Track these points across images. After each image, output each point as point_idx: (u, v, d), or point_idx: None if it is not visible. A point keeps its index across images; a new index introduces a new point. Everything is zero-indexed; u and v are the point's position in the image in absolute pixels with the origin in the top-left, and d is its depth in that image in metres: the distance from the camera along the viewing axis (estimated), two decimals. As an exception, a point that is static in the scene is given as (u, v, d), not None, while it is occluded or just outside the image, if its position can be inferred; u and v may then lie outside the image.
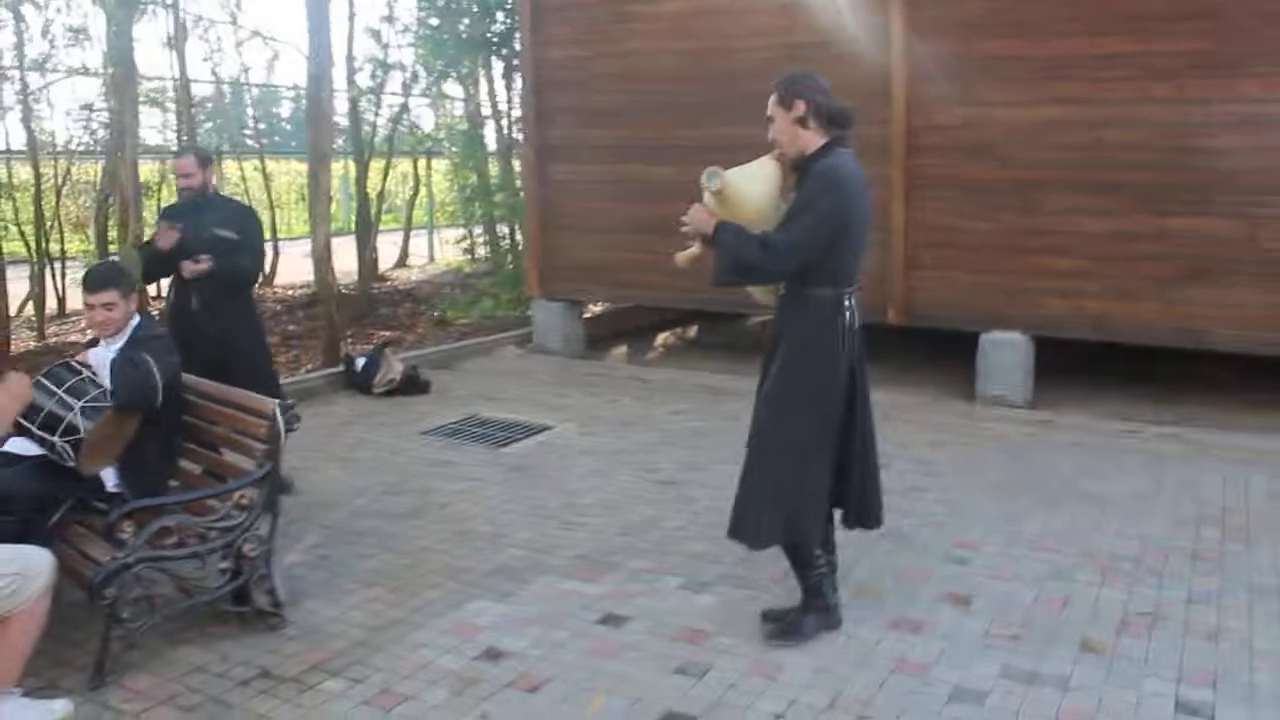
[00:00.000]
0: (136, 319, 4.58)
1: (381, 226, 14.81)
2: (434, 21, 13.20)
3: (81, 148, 12.60)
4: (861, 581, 4.64)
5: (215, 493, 4.25)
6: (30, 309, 11.35)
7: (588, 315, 10.28)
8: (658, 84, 8.68)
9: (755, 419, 4.07)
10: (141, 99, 12.10)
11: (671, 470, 6.26)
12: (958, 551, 4.97)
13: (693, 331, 10.73)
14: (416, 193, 15.71)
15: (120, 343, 4.46)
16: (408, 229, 15.96)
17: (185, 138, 12.33)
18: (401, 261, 15.62)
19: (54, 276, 11.87)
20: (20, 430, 4.27)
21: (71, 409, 4.17)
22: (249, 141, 15.89)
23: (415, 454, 6.69)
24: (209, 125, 18.87)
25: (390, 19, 13.85)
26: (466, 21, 11.95)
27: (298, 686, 3.81)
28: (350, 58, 13.19)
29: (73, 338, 10.54)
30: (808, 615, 4.10)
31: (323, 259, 9.48)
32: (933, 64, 7.51)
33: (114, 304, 4.48)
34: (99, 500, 4.33)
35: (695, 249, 4.04)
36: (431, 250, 16.28)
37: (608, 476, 6.13)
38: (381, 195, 14.09)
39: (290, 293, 13.71)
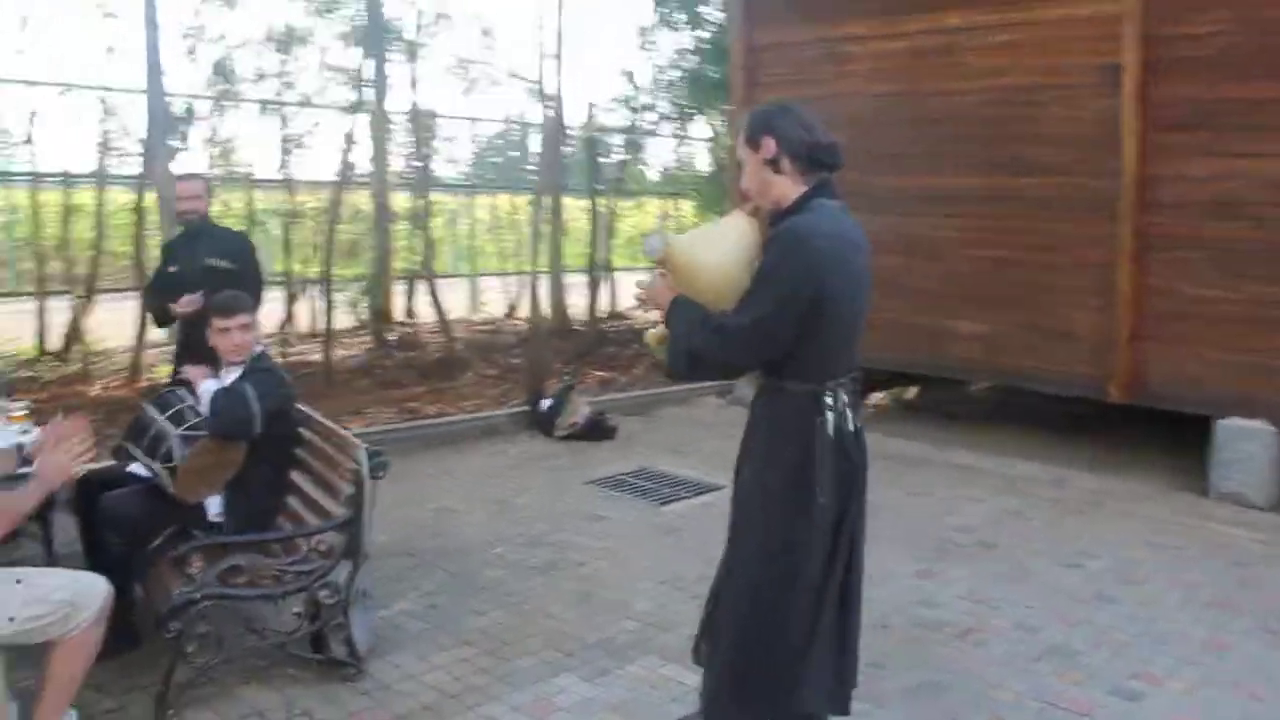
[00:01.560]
0: (259, 348, 4.55)
1: (634, 265, 14.88)
2: (689, 63, 13.15)
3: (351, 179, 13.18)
4: (1003, 705, 3.97)
5: (284, 536, 4.13)
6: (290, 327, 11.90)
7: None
8: (859, 128, 8.15)
9: (727, 544, 3.20)
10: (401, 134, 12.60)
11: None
12: (1133, 684, 4.19)
13: (912, 393, 10.01)
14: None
15: (236, 374, 4.42)
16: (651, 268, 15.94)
17: (418, 167, 12.69)
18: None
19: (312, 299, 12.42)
20: (130, 454, 4.33)
21: (169, 436, 4.17)
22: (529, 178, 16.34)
23: (572, 504, 6.44)
24: (497, 160, 19.68)
25: (647, 51, 13.87)
26: (709, 63, 11.83)
27: (344, 749, 3.60)
28: (590, 100, 13.33)
29: (314, 357, 10.99)
30: None
31: (535, 296, 9.47)
32: (1172, 108, 6.64)
33: (248, 326, 4.47)
34: (199, 529, 4.30)
35: (662, 328, 3.09)
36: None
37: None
38: (611, 233, 14.06)
39: (525, 325, 13.88)
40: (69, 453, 3.41)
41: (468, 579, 5.19)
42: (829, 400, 2.94)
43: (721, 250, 2.99)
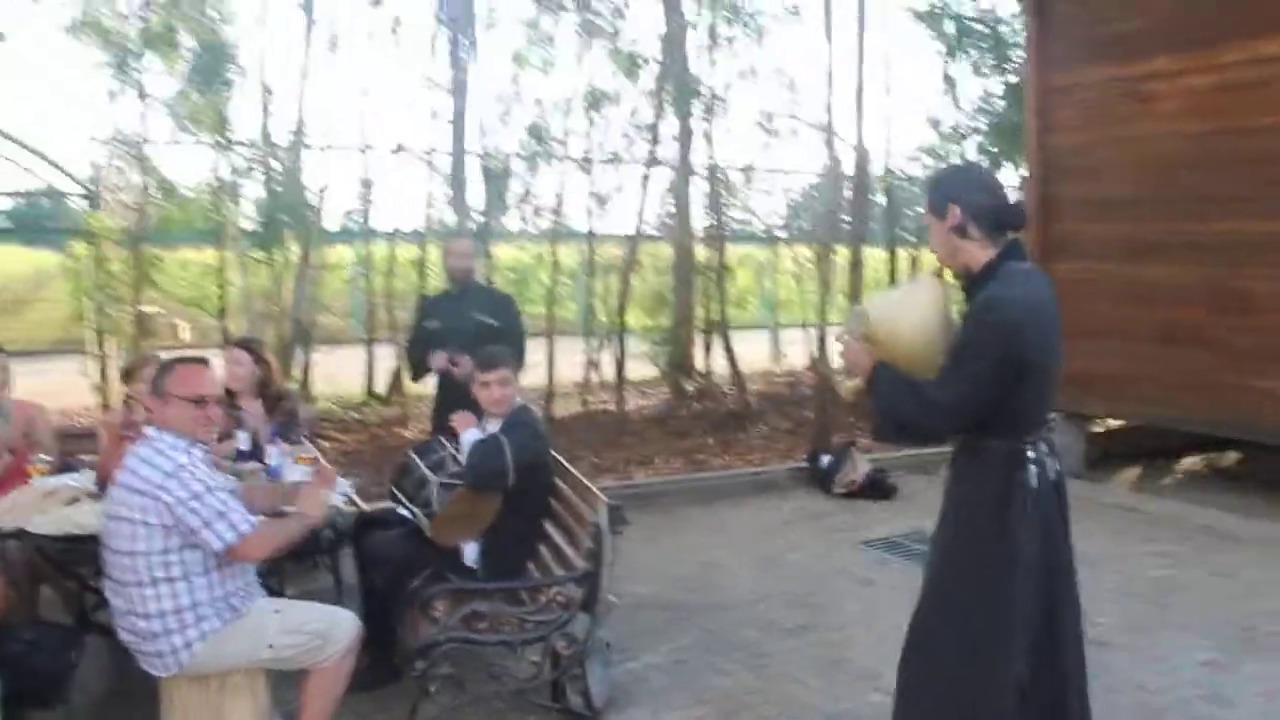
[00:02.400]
0: (520, 402, 4.75)
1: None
2: (995, 109, 12.68)
3: (653, 232, 13.59)
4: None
5: (521, 586, 4.26)
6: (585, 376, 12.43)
7: (1101, 429, 9.08)
8: (1169, 171, 7.57)
9: (917, 607, 3.19)
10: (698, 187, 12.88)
11: (1111, 628, 5.24)
12: None
13: (1229, 458, 9.05)
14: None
15: (496, 425, 4.64)
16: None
17: (717, 221, 12.88)
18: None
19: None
20: (395, 498, 4.64)
21: (429, 484, 4.42)
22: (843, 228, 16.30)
23: (841, 565, 6.28)
24: (803, 211, 19.66)
25: (949, 98, 13.49)
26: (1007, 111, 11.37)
27: (567, 799, 3.66)
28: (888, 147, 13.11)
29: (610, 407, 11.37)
30: None
31: (824, 349, 9.37)
32: None
33: (508, 380, 4.69)
34: (455, 573, 4.52)
35: (859, 383, 3.24)
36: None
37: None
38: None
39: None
40: (328, 495, 3.71)
41: (721, 636, 5.16)
42: (1030, 454, 2.95)
43: (917, 317, 3.04)
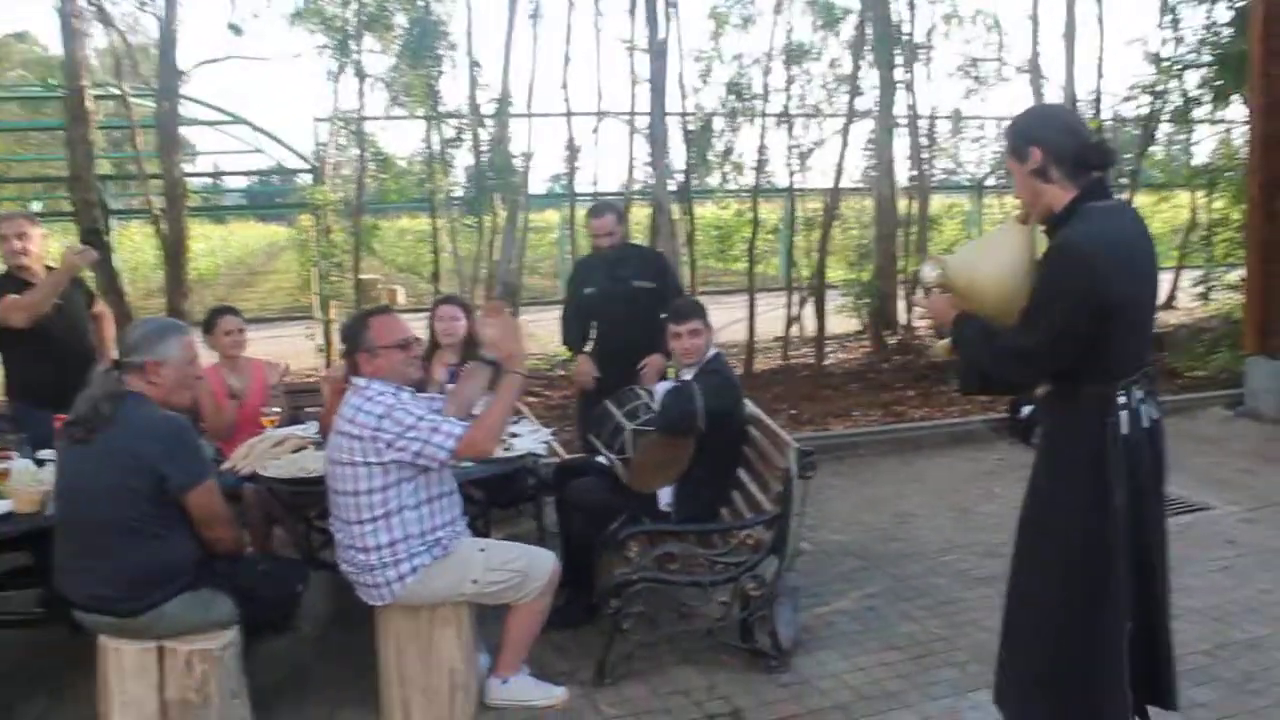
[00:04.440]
0: (713, 352, 4.87)
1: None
2: (1222, 38, 11.89)
3: (855, 184, 13.45)
4: None
5: (713, 529, 4.39)
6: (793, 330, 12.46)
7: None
8: None
9: (1014, 550, 3.19)
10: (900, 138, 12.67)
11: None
12: None
13: None
14: (1192, 228, 14.23)
15: (689, 375, 4.78)
16: (1178, 268, 14.59)
17: (920, 171, 12.60)
18: (1169, 302, 14.33)
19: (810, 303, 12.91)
20: (593, 446, 4.85)
21: (623, 430, 4.61)
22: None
23: (1040, 517, 6.16)
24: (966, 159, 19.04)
25: (1176, 35, 12.71)
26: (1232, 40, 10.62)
27: (752, 734, 3.81)
28: (1099, 86, 12.46)
29: (812, 360, 11.38)
30: None
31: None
32: None
33: (699, 331, 4.83)
34: (651, 517, 4.70)
35: (947, 341, 3.17)
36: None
37: (1242, 577, 5.07)
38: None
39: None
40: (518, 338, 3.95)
41: (910, 584, 5.19)
42: (1121, 399, 2.90)
43: (998, 263, 3.01)
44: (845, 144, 11.43)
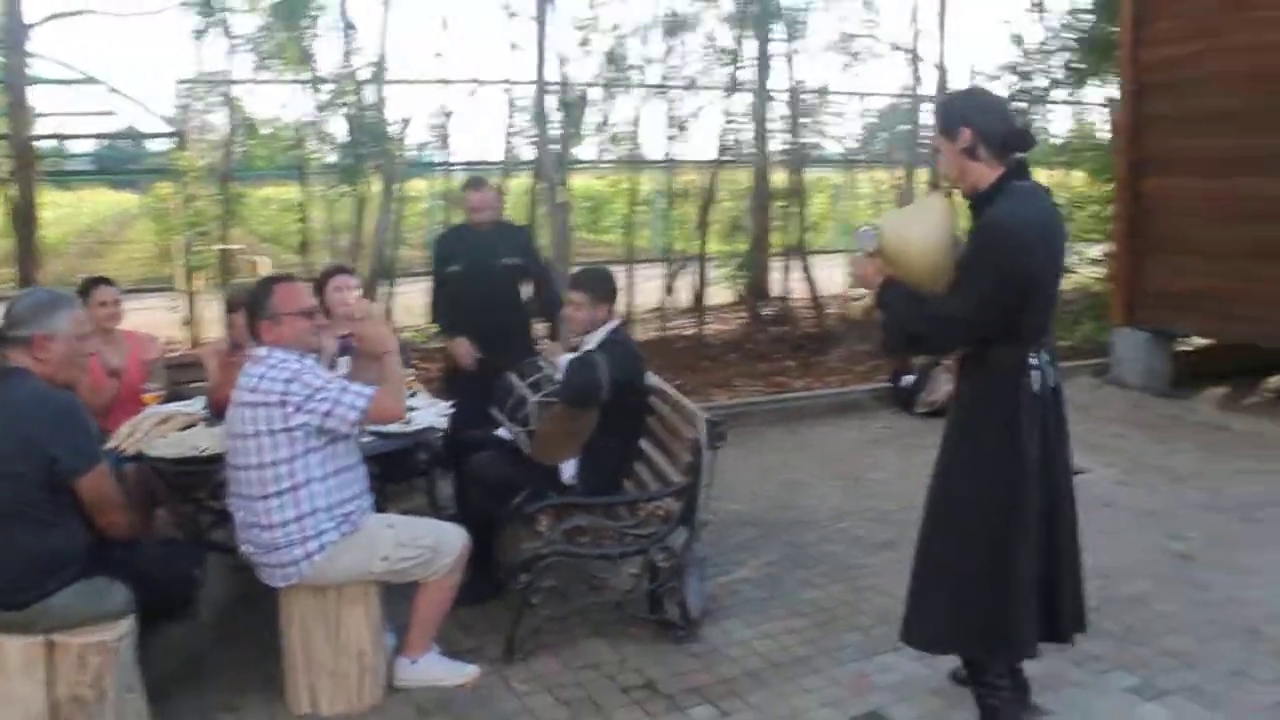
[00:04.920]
0: (616, 322, 4.81)
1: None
2: (1084, 22, 12.34)
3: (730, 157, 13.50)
4: None
5: (624, 500, 4.37)
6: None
7: (1187, 349, 8.95)
8: (1271, 83, 7.33)
9: (927, 498, 3.48)
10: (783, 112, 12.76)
11: (1199, 543, 5.26)
12: None
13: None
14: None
15: (591, 345, 4.72)
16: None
17: (796, 144, 12.75)
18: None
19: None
20: (495, 418, 4.76)
21: (528, 402, 4.54)
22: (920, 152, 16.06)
23: (925, 482, 6.29)
24: (884, 135, 19.35)
25: (1041, 19, 13.11)
26: (1096, 24, 11.04)
27: (668, 705, 3.80)
28: (972, 68, 12.79)
29: (689, 331, 11.43)
30: None
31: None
32: None
33: (580, 305, 4.76)
34: (554, 490, 4.64)
35: (869, 301, 3.35)
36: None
37: (1118, 538, 5.29)
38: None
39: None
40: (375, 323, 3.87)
41: (808, 551, 5.27)
42: (1033, 361, 3.18)
43: (924, 233, 3.24)
44: (723, 117, 11.50)
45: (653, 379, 4.97)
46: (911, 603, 3.47)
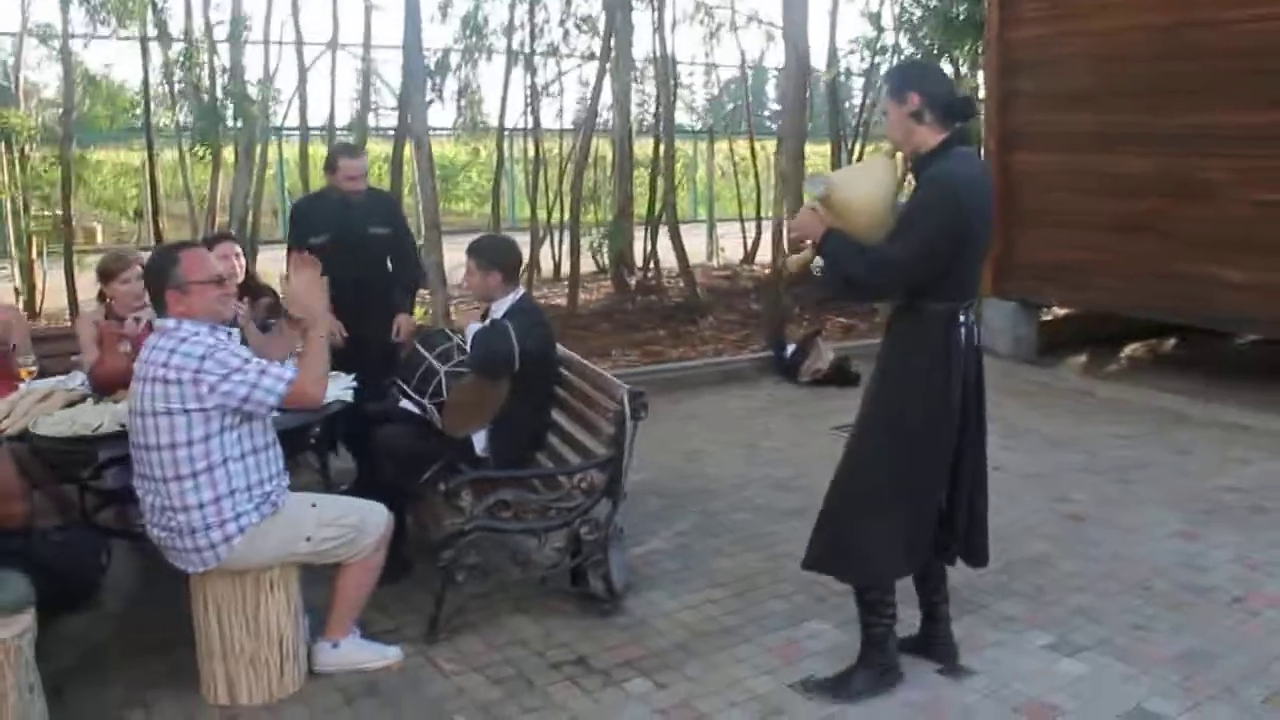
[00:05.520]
0: (520, 292, 4.67)
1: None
2: (933, 3, 12.67)
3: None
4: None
5: (549, 473, 4.26)
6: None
7: (1050, 318, 9.34)
8: (1132, 64, 7.67)
9: (848, 441, 3.67)
10: (637, 81, 12.72)
11: (1086, 504, 5.46)
12: None
13: (1168, 346, 9.38)
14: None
15: (498, 314, 4.58)
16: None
17: (662, 117, 12.75)
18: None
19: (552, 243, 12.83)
20: (401, 391, 4.58)
21: (437, 373, 4.37)
22: (765, 124, 16.26)
23: (820, 449, 6.39)
24: (730, 107, 19.57)
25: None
26: (963, 5, 11.34)
27: (603, 680, 3.71)
28: (832, 42, 13.05)
29: (557, 300, 11.32)
30: (859, 671, 3.63)
31: (776, 240, 9.41)
32: None
33: (471, 273, 4.60)
34: (467, 463, 4.49)
35: (806, 253, 3.62)
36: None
37: (1010, 499, 5.43)
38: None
39: (764, 271, 13.85)
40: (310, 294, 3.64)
41: (717, 520, 5.25)
42: (962, 317, 3.39)
43: (870, 188, 3.40)
44: (583, 86, 11.38)
45: (562, 349, 4.86)
46: (822, 534, 3.64)
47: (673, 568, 4.69)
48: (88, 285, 9.18)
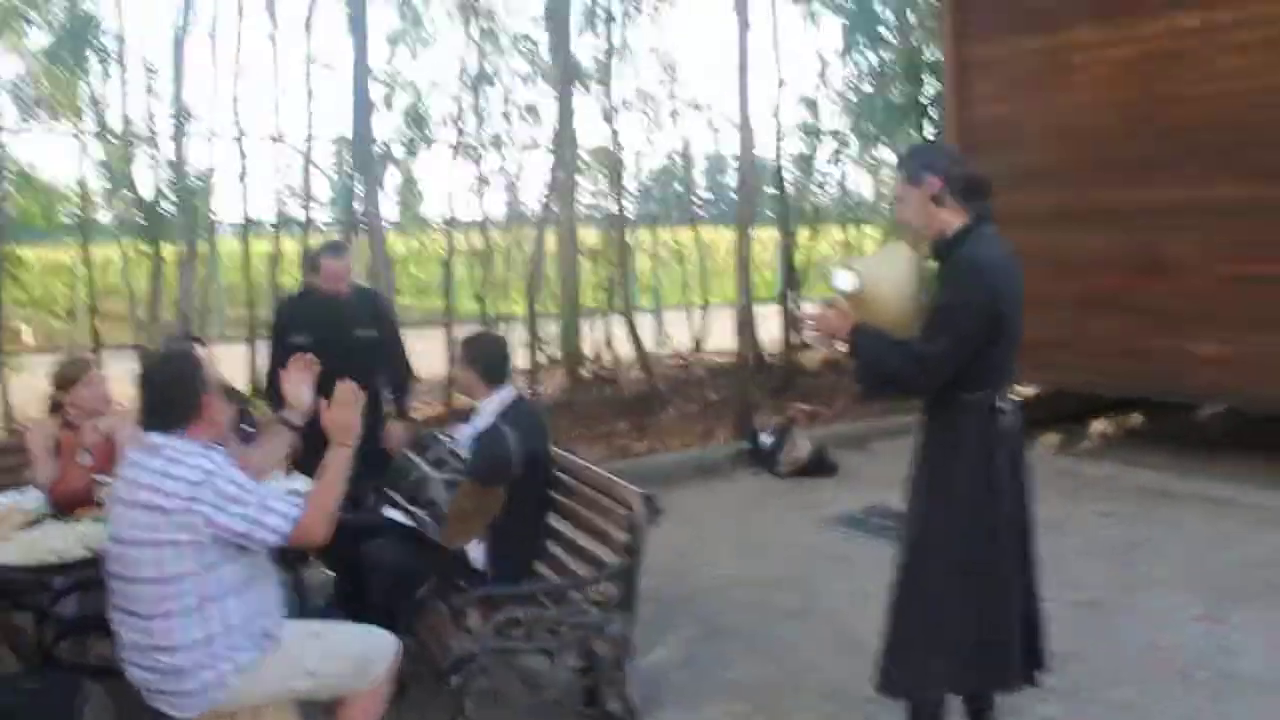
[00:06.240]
0: (511, 394, 4.41)
1: (811, 294, 14.55)
2: (867, 88, 12.85)
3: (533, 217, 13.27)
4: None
5: (564, 586, 3.96)
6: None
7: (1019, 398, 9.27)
8: (1093, 140, 7.76)
9: (903, 546, 3.47)
10: (583, 169, 12.63)
11: (1098, 589, 5.29)
12: None
13: (1134, 420, 9.36)
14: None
15: (491, 417, 4.30)
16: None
17: (619, 206, 12.67)
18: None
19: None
20: (388, 499, 4.26)
21: (433, 481, 4.08)
22: (684, 211, 16.24)
23: (809, 545, 6.17)
24: (648, 193, 19.62)
25: (826, 86, 13.59)
26: (896, 86, 11.51)
27: (635, 814, 3.40)
28: (778, 127, 13.15)
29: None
30: None
31: (742, 329, 9.26)
32: None
33: (459, 368, 4.37)
34: (463, 577, 4.18)
35: (830, 351, 3.49)
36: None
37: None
38: (808, 264, 13.81)
39: (718, 359, 13.70)
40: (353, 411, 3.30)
41: (716, 624, 4.98)
42: (1001, 405, 3.26)
43: (897, 277, 3.33)
44: (526, 175, 11.28)
45: (557, 451, 4.59)
46: (892, 653, 3.42)
47: (684, 680, 4.40)
48: (19, 389, 8.73)
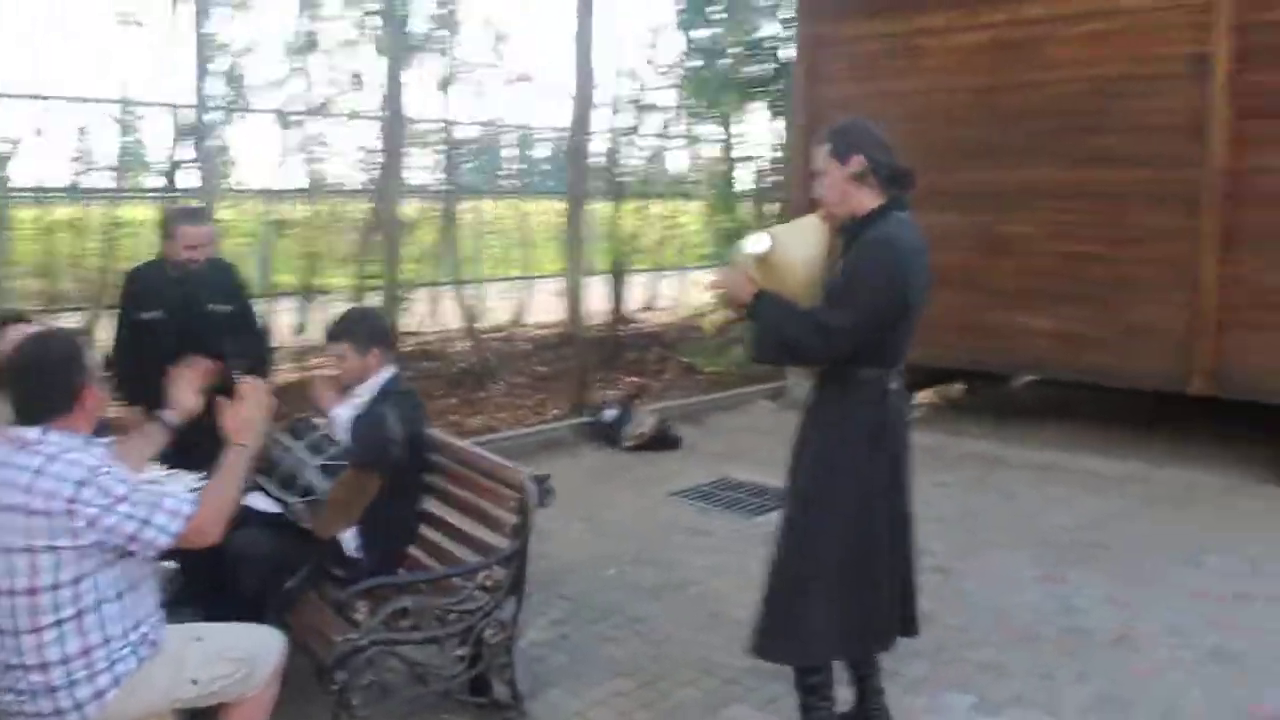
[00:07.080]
0: (389, 373, 4.24)
1: (633, 267, 14.64)
2: (697, 63, 12.97)
3: (355, 187, 12.84)
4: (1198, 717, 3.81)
5: (456, 572, 3.84)
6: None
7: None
8: (929, 124, 8.03)
9: (785, 517, 3.50)
10: (410, 141, 12.28)
11: (944, 555, 5.51)
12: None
13: (955, 391, 9.84)
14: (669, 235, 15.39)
15: (365, 398, 4.13)
16: (657, 271, 15.68)
17: (447, 178, 12.39)
18: (650, 304, 15.31)
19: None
20: (257, 486, 4.03)
21: (308, 466, 3.90)
22: (506, 183, 16.07)
23: (664, 518, 6.21)
24: (471, 165, 19.27)
25: (652, 60, 13.65)
26: (729, 62, 11.64)
27: (531, 801, 3.35)
28: (615, 100, 13.13)
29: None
30: None
31: (575, 303, 9.20)
32: (1262, 97, 6.57)
33: (344, 357, 4.16)
34: (338, 566, 4.01)
35: (726, 314, 3.61)
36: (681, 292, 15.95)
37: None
38: (633, 237, 13.87)
39: (541, 332, 13.60)
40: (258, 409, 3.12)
41: (587, 603, 4.95)
42: (893, 385, 3.33)
43: (807, 249, 3.34)
44: (349, 144, 10.90)
45: (433, 433, 4.45)
46: (769, 620, 3.44)
47: (563, 662, 4.35)
48: None
